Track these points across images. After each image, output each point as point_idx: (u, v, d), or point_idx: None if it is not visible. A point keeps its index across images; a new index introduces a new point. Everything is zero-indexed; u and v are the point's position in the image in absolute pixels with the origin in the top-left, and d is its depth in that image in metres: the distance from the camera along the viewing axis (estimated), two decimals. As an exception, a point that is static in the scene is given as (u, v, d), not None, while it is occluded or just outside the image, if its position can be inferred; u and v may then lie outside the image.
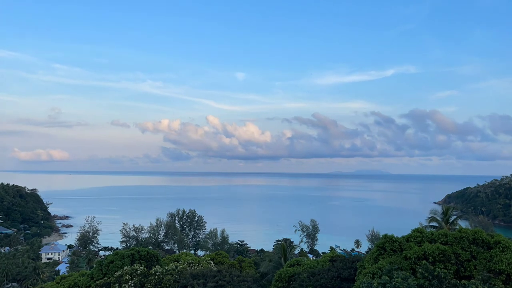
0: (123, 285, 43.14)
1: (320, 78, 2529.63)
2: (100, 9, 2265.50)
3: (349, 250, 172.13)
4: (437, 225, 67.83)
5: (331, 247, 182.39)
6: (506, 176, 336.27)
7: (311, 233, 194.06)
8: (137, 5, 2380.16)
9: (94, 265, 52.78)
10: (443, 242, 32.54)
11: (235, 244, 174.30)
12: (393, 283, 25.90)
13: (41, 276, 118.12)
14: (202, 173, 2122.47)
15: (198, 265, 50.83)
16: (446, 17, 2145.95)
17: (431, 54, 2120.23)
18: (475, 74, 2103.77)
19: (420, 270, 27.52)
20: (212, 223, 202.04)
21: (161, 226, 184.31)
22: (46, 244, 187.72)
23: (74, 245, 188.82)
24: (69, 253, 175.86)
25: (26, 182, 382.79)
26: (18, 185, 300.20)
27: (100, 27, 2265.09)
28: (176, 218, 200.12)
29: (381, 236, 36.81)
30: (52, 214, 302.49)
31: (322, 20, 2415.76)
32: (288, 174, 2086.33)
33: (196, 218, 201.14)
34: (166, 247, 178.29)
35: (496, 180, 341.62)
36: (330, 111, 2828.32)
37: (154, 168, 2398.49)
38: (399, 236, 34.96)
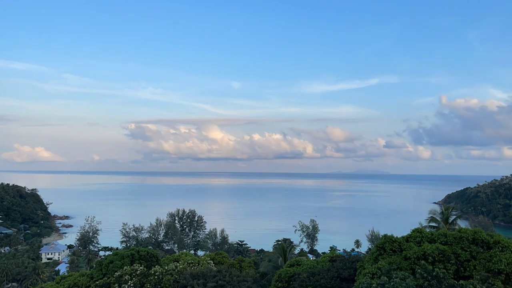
0: (123, 285, 43.12)
1: (309, 87, 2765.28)
2: (107, 23, 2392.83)
3: (349, 250, 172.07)
4: (436, 225, 67.85)
5: (331, 247, 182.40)
6: (506, 176, 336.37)
7: (311, 233, 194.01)
8: (141, 18, 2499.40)
9: (94, 265, 52.82)
10: (443, 242, 32.55)
11: (235, 244, 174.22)
12: (391, 284, 25.92)
13: (41, 276, 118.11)
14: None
15: (198, 265, 50.79)
16: (413, 35, 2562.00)
17: (405, 66, 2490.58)
18: (446, 84, 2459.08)
19: (419, 270, 27.54)
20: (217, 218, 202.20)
21: (161, 226, 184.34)
22: (46, 244, 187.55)
23: (74, 245, 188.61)
24: (69, 253, 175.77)
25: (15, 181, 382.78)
26: (18, 185, 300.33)
27: (107, 40, 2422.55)
28: (176, 218, 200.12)
29: (381, 236, 36.83)
30: (52, 214, 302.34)
31: (307, 35, 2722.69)
32: (289, 175, 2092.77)
33: (196, 218, 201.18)
34: (166, 247, 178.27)
35: (496, 180, 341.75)
36: (323, 115, 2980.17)
37: (148, 169, 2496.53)
38: (399, 236, 34.98)
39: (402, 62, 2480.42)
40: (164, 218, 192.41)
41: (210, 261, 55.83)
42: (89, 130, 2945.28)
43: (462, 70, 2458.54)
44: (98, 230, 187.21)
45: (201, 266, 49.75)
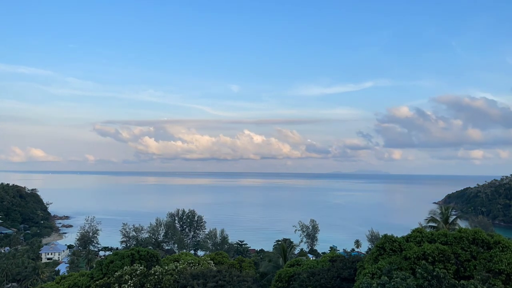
0: (123, 285, 43.08)
1: (304, 90, 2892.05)
2: (109, 27, 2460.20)
3: (349, 250, 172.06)
4: (436, 225, 67.86)
5: (331, 247, 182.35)
6: (506, 176, 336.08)
7: (311, 233, 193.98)
8: (141, 21, 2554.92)
9: (94, 265, 52.83)
10: (443, 242, 32.54)
11: (235, 244, 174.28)
12: (392, 283, 25.92)
13: (41, 276, 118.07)
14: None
15: (198, 265, 50.75)
16: (402, 42, 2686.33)
17: (396, 70, 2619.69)
18: (434, 86, 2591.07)
19: (419, 270, 27.54)
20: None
21: (161, 226, 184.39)
22: (46, 244, 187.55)
23: (74, 245, 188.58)
24: (69, 253, 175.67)
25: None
26: (18, 185, 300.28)
27: (109, 43, 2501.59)
28: (176, 218, 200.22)
29: (381, 236, 36.82)
30: (52, 214, 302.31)
31: (304, 39, 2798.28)
32: (289, 174, 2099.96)
33: (196, 218, 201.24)
34: (166, 247, 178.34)
35: (496, 180, 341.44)
36: (319, 116, 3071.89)
37: (144, 168, 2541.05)
38: (399, 236, 34.97)
39: (393, 67, 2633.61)
40: (164, 218, 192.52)
41: (210, 261, 55.79)
42: (86, 131, 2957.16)
43: (448, 74, 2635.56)
44: (98, 230, 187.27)
45: (201, 266, 49.72)
